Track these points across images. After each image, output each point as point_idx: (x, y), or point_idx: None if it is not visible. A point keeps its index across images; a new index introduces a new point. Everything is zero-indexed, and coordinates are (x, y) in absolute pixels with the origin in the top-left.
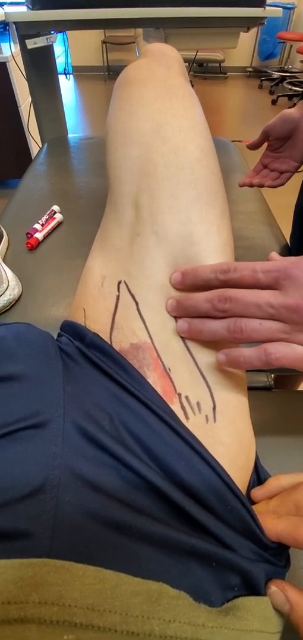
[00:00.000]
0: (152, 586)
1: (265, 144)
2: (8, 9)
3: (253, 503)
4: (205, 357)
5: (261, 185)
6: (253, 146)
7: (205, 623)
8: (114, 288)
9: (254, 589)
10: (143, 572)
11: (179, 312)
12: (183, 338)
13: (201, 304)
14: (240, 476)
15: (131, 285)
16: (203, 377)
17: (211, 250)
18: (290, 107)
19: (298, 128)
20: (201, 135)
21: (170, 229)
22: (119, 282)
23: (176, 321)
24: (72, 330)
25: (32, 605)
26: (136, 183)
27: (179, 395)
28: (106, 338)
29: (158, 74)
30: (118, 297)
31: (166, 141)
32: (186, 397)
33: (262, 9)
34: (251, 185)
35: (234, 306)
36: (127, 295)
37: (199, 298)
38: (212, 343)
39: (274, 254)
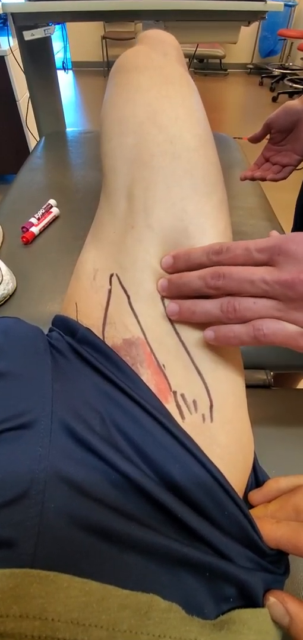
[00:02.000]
0: (141, 598)
1: (266, 138)
2: (5, 0)
3: (251, 506)
4: (200, 352)
5: (263, 179)
6: (255, 139)
7: (197, 637)
8: (106, 281)
9: (251, 599)
10: (132, 582)
11: (171, 292)
12: (177, 332)
13: (194, 280)
14: (237, 479)
15: (123, 279)
16: (199, 374)
17: (207, 244)
18: None
19: (300, 120)
20: (198, 124)
21: (164, 222)
22: (111, 275)
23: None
24: (64, 325)
25: (13, 619)
26: (130, 173)
27: (175, 393)
28: (98, 333)
29: (155, 61)
30: (109, 291)
31: (162, 130)
32: (182, 395)
33: (263, 2)
34: (252, 179)
35: (227, 283)
36: (119, 289)
37: (192, 275)
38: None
39: (274, 232)
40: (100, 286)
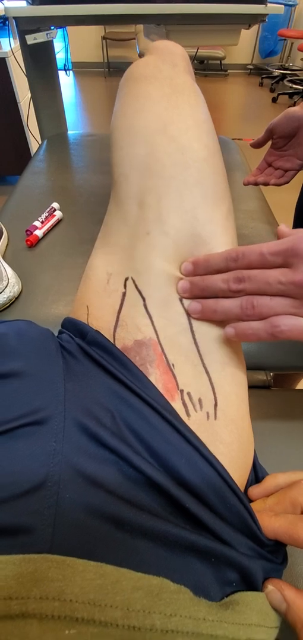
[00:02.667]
0: (153, 581)
1: (269, 142)
2: (8, 3)
3: (251, 501)
4: (211, 352)
5: (266, 184)
6: (257, 144)
7: (205, 617)
8: (120, 285)
9: (252, 584)
10: (143, 567)
11: (193, 293)
12: (192, 331)
13: (218, 284)
14: (238, 474)
15: (138, 282)
16: (207, 373)
17: (220, 250)
18: (290, 105)
19: (302, 126)
20: (207, 134)
21: (179, 229)
22: (126, 279)
23: (182, 307)
24: (74, 327)
25: (34, 601)
26: (142, 182)
27: (182, 391)
28: (109, 335)
29: (165, 72)
30: (124, 294)
31: (172, 140)
32: (188, 394)
33: (264, 6)
34: (255, 184)
35: (247, 285)
36: (134, 292)
37: (215, 279)
38: (218, 334)
39: (283, 227)
40: (114, 290)
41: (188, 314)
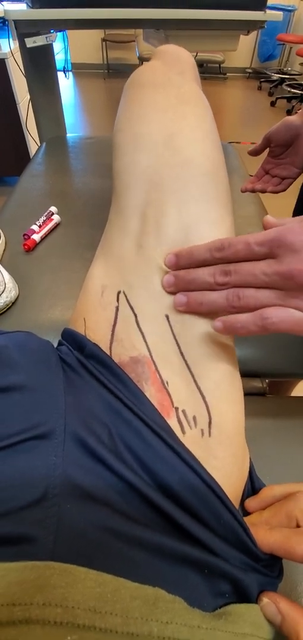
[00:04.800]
0: (148, 591)
1: (266, 150)
2: (8, 6)
3: (247, 513)
4: (203, 372)
5: (263, 191)
6: (255, 152)
7: (200, 625)
8: (113, 298)
9: (245, 596)
10: (139, 576)
11: (177, 287)
12: (180, 351)
13: (203, 277)
14: (233, 489)
15: (130, 297)
16: (200, 392)
17: None
18: (288, 109)
19: (300, 135)
20: (212, 147)
21: (175, 244)
22: (119, 293)
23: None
24: (72, 340)
25: (37, 607)
26: (144, 192)
27: (177, 409)
28: (106, 349)
29: (172, 79)
30: (117, 308)
31: (177, 152)
32: (183, 411)
33: (263, 12)
34: (253, 191)
35: (233, 278)
36: (126, 307)
37: (201, 272)
38: (210, 354)
39: (269, 217)
40: (108, 303)
41: (174, 336)
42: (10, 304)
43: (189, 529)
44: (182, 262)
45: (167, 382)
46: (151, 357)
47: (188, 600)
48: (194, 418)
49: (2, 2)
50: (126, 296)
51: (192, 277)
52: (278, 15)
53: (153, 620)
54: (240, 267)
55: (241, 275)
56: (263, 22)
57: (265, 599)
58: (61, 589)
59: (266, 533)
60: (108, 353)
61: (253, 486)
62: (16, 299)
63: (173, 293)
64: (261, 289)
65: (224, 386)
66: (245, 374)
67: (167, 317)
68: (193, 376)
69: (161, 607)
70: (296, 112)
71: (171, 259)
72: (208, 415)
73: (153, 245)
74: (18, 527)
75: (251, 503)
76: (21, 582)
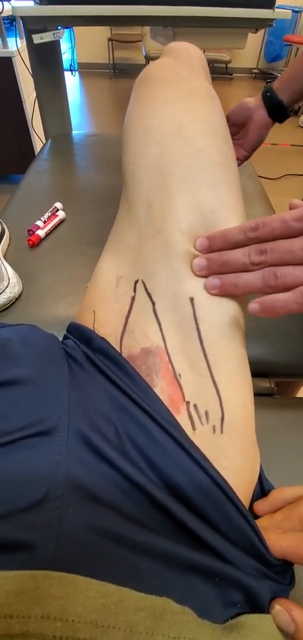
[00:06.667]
0: (156, 601)
1: None
2: (15, 3)
3: (257, 516)
4: (219, 359)
5: None
6: None
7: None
8: (130, 288)
9: (257, 606)
10: (145, 586)
11: (211, 270)
12: (200, 338)
13: (238, 257)
14: (244, 490)
15: (149, 285)
16: (215, 384)
17: None
18: (295, 110)
19: (250, 117)
20: (222, 139)
21: (194, 230)
22: (136, 282)
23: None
24: (79, 334)
25: (35, 620)
26: (154, 181)
27: (188, 403)
28: (115, 342)
29: (182, 74)
30: (133, 298)
31: (187, 143)
32: (195, 406)
33: (271, 10)
34: None
35: (269, 257)
36: (143, 295)
37: (235, 253)
38: (227, 343)
39: (296, 201)
40: (123, 293)
41: (196, 320)
42: (14, 300)
43: (199, 533)
44: (215, 245)
45: (180, 375)
46: (166, 346)
47: (197, 611)
48: (206, 413)
49: (10, 0)
50: (144, 285)
51: (226, 259)
52: (286, 14)
53: (158, 635)
54: (276, 245)
55: (278, 253)
56: (272, 20)
57: (278, 607)
58: (61, 600)
59: (278, 537)
60: (118, 346)
61: (262, 488)
62: (20, 295)
63: (204, 276)
64: (299, 266)
65: (237, 379)
66: (253, 374)
67: (191, 299)
68: (208, 363)
69: (168, 620)
70: (302, 114)
71: (203, 242)
72: (221, 411)
73: (173, 231)
74: (18, 532)
75: (260, 506)
76: (20, 593)
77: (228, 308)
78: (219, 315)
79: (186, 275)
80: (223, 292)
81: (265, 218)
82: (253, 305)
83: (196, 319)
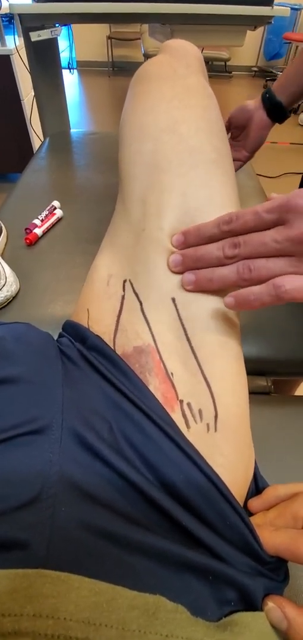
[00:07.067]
0: (149, 599)
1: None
2: (13, 0)
3: (251, 514)
4: (209, 358)
5: None
6: None
7: (203, 637)
8: (119, 287)
9: (251, 603)
10: (139, 584)
11: (186, 265)
12: (187, 336)
13: (212, 252)
14: (238, 488)
15: (136, 284)
16: (207, 383)
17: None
18: (294, 108)
19: (251, 119)
20: (217, 137)
21: (178, 226)
22: (125, 281)
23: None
24: (74, 332)
25: (27, 618)
26: (147, 178)
27: (181, 402)
28: (109, 340)
29: (178, 71)
30: (122, 297)
31: (181, 140)
32: (188, 404)
33: (270, 7)
34: None
35: (242, 250)
36: (132, 295)
37: (209, 247)
38: (216, 339)
39: (274, 195)
40: (114, 292)
41: (181, 320)
42: (11, 298)
43: (194, 531)
44: (190, 240)
45: (172, 373)
46: (156, 345)
47: (191, 609)
48: (200, 412)
49: None
50: (132, 284)
51: (200, 254)
52: (285, 11)
53: (151, 633)
54: (249, 238)
55: (251, 245)
56: (271, 17)
57: (270, 603)
58: (53, 598)
59: (271, 534)
60: (112, 344)
61: (257, 486)
62: (17, 293)
63: (180, 273)
64: (273, 258)
65: (230, 377)
66: (250, 372)
67: (173, 300)
68: (198, 362)
69: (161, 618)
70: (301, 111)
71: (178, 238)
72: (214, 409)
73: (155, 228)
74: (12, 531)
75: (254, 503)
76: (12, 591)
77: (210, 304)
78: (202, 311)
79: (166, 273)
80: (198, 288)
81: (238, 211)
82: (228, 299)
83: (180, 319)
